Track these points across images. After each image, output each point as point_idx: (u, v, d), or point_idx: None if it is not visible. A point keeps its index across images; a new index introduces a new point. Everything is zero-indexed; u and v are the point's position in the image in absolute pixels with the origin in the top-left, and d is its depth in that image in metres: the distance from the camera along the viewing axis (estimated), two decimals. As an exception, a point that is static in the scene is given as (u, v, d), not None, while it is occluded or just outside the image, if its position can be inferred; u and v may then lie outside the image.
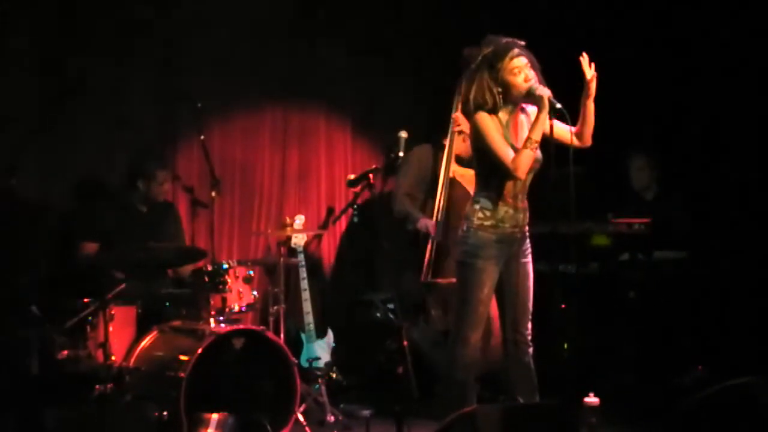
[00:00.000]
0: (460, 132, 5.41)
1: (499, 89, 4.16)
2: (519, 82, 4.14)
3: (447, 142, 5.49)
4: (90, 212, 5.56)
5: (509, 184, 4.23)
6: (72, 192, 5.72)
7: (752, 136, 5.94)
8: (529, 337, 4.32)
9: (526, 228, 4.37)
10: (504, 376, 4.47)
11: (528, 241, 4.40)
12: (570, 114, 4.11)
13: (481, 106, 4.18)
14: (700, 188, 6.10)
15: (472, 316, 4.26)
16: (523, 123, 4.28)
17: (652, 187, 6.13)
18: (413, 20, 6.90)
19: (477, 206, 4.27)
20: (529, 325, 4.34)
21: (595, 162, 5.53)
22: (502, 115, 4.22)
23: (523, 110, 4.30)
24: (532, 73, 4.15)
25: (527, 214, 4.35)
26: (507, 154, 4.14)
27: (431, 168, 5.71)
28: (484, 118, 4.17)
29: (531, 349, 4.32)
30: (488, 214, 4.24)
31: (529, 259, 4.39)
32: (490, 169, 4.22)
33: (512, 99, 4.19)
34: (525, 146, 4.13)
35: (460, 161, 5.53)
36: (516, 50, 4.15)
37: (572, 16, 6.64)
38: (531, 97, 4.15)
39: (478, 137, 4.20)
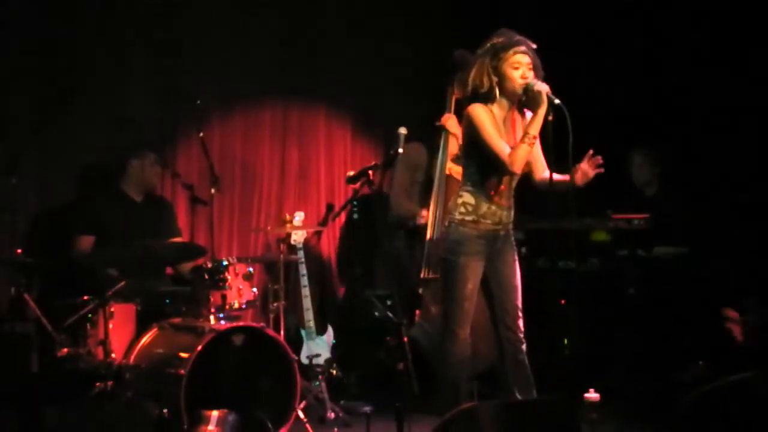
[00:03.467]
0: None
1: (497, 78, 4.15)
2: (515, 76, 4.14)
3: (441, 142, 5.49)
4: (85, 205, 5.57)
5: (494, 181, 4.22)
6: (71, 189, 5.73)
7: (753, 132, 5.93)
8: (521, 334, 4.30)
9: (510, 226, 4.35)
10: (500, 372, 4.46)
11: (513, 239, 4.38)
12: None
13: (477, 89, 4.18)
14: (701, 184, 6.09)
15: (459, 313, 4.26)
16: (520, 124, 4.27)
17: (653, 183, 6.13)
18: (412, 18, 6.90)
19: (459, 201, 4.28)
20: (521, 323, 4.31)
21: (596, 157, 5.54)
22: (498, 110, 4.21)
23: (520, 111, 4.29)
24: (531, 75, 4.15)
25: (512, 213, 4.34)
26: (502, 147, 4.13)
27: (425, 165, 5.70)
28: (479, 110, 4.17)
29: (524, 346, 4.30)
30: (470, 209, 4.24)
31: (515, 257, 4.38)
32: (477, 163, 4.23)
33: (508, 93, 4.18)
34: (522, 141, 4.13)
35: (456, 159, 5.55)
36: (523, 47, 4.16)
37: (573, 15, 6.63)
38: (529, 93, 4.14)
39: (471, 129, 4.19)
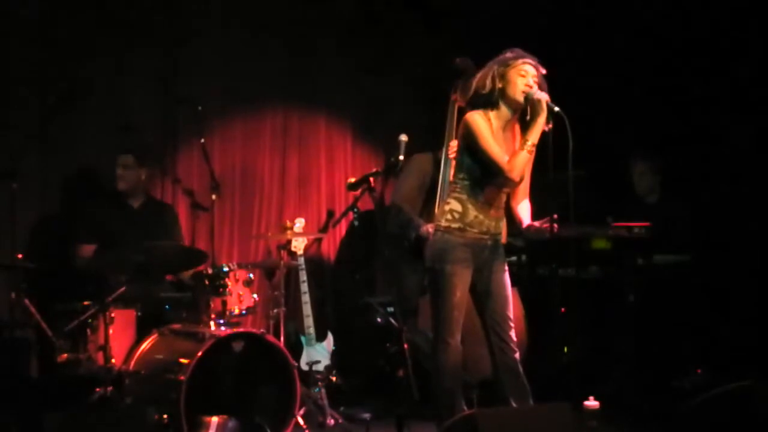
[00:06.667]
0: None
1: (501, 84, 4.17)
2: (520, 83, 4.15)
3: (443, 155, 5.48)
4: (85, 213, 5.58)
5: (485, 190, 4.22)
6: (72, 194, 5.74)
7: (755, 139, 5.94)
8: (514, 344, 4.29)
9: (499, 237, 4.33)
10: (496, 381, 4.45)
11: (502, 250, 4.36)
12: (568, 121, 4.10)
13: (480, 91, 4.19)
14: (703, 192, 6.10)
15: (449, 322, 4.23)
16: (512, 142, 4.27)
17: (655, 192, 6.13)
18: (413, 24, 6.92)
19: (447, 207, 4.28)
20: (513, 333, 4.29)
21: (597, 166, 5.55)
22: (496, 120, 4.21)
23: (521, 124, 4.27)
24: (536, 87, 4.17)
25: (501, 224, 4.32)
26: (500, 154, 4.14)
27: (431, 176, 5.69)
28: (476, 117, 4.17)
29: (517, 355, 4.29)
30: (456, 216, 4.23)
31: (505, 267, 4.36)
32: (469, 171, 4.22)
33: (509, 100, 4.18)
34: (522, 148, 4.15)
35: None
36: (532, 62, 4.20)
37: (572, 21, 6.65)
38: (529, 101, 4.15)
39: (468, 137, 4.19)
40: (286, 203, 6.55)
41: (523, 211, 4.38)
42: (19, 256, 4.93)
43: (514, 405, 4.20)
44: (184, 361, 4.61)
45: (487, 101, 4.20)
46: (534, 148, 4.16)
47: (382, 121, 6.80)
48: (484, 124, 4.17)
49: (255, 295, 5.18)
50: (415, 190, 5.67)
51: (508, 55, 4.21)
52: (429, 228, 5.39)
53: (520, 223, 4.37)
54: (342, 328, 6.29)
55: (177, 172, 6.10)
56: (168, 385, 4.57)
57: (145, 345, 4.94)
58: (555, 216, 4.16)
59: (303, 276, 5.90)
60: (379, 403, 5.38)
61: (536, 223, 4.31)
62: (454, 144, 5.25)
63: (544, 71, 4.22)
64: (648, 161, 6.12)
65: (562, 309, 5.11)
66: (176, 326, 5.05)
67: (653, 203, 6.11)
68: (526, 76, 4.16)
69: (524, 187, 4.37)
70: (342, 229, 6.74)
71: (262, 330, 5.13)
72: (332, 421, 5.29)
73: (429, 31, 6.89)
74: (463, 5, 6.91)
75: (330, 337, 5.98)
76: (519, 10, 6.66)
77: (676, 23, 6.28)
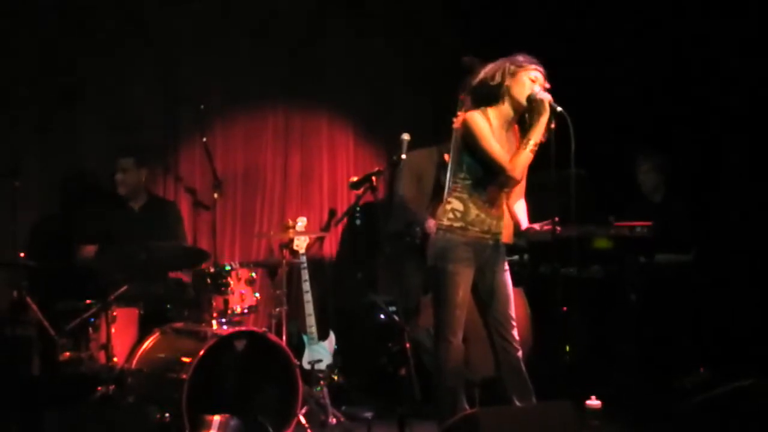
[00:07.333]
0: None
1: (509, 83, 4.17)
2: (528, 84, 4.16)
3: (452, 147, 5.45)
4: (86, 213, 5.58)
5: (486, 189, 4.22)
6: (72, 195, 5.74)
7: (759, 138, 5.94)
8: (516, 343, 4.29)
9: (500, 237, 4.31)
10: (499, 380, 4.45)
11: (503, 249, 4.35)
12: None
13: (487, 82, 4.19)
14: (707, 191, 6.10)
15: (451, 321, 4.23)
16: (514, 141, 4.28)
17: (660, 190, 6.13)
18: (416, 24, 6.91)
19: (448, 207, 4.28)
20: (515, 332, 4.30)
21: (598, 164, 5.55)
22: (495, 119, 4.21)
23: (521, 126, 4.28)
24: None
25: (501, 223, 4.31)
26: (502, 154, 4.14)
27: (433, 171, 5.68)
28: (476, 117, 4.17)
29: (520, 353, 4.30)
30: (458, 215, 4.23)
31: (506, 267, 4.35)
32: (470, 170, 4.22)
33: (513, 99, 4.18)
34: (524, 147, 4.14)
35: None
36: (542, 70, 4.20)
37: (572, 20, 6.64)
38: (532, 101, 4.15)
39: (468, 136, 4.19)
40: (288, 202, 6.56)
41: (520, 211, 4.39)
42: (21, 254, 4.94)
43: (516, 404, 4.20)
44: (186, 359, 4.61)
45: (491, 94, 4.20)
46: (536, 147, 4.16)
47: (384, 120, 6.80)
48: (484, 124, 4.17)
49: (257, 294, 5.18)
50: (413, 187, 5.67)
51: (520, 58, 4.22)
52: (433, 224, 5.39)
53: (518, 224, 4.37)
54: (344, 327, 6.29)
55: (179, 171, 6.10)
56: (170, 383, 4.57)
57: (147, 343, 4.94)
58: (556, 219, 4.15)
59: (305, 275, 5.90)
60: (381, 403, 5.37)
61: (536, 226, 4.31)
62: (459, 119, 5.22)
63: (548, 86, 4.22)
64: (654, 159, 6.12)
65: (564, 308, 5.09)
66: (178, 325, 5.05)
67: (658, 202, 6.11)
68: (534, 81, 4.17)
69: (520, 187, 4.37)
70: (344, 227, 6.74)
71: (264, 329, 5.13)
72: (334, 420, 5.29)
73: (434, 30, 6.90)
74: (464, 4, 6.92)
75: (332, 336, 5.98)
76: (519, 9, 6.66)
77: (678, 21, 6.28)
